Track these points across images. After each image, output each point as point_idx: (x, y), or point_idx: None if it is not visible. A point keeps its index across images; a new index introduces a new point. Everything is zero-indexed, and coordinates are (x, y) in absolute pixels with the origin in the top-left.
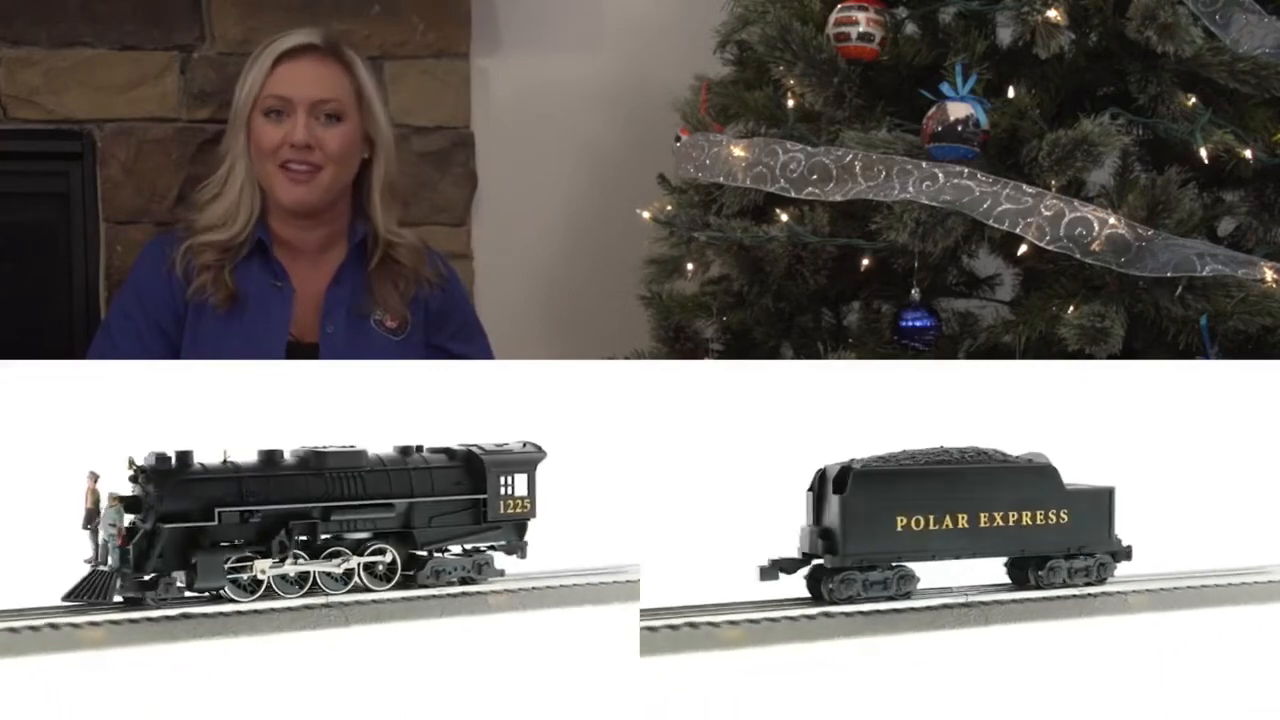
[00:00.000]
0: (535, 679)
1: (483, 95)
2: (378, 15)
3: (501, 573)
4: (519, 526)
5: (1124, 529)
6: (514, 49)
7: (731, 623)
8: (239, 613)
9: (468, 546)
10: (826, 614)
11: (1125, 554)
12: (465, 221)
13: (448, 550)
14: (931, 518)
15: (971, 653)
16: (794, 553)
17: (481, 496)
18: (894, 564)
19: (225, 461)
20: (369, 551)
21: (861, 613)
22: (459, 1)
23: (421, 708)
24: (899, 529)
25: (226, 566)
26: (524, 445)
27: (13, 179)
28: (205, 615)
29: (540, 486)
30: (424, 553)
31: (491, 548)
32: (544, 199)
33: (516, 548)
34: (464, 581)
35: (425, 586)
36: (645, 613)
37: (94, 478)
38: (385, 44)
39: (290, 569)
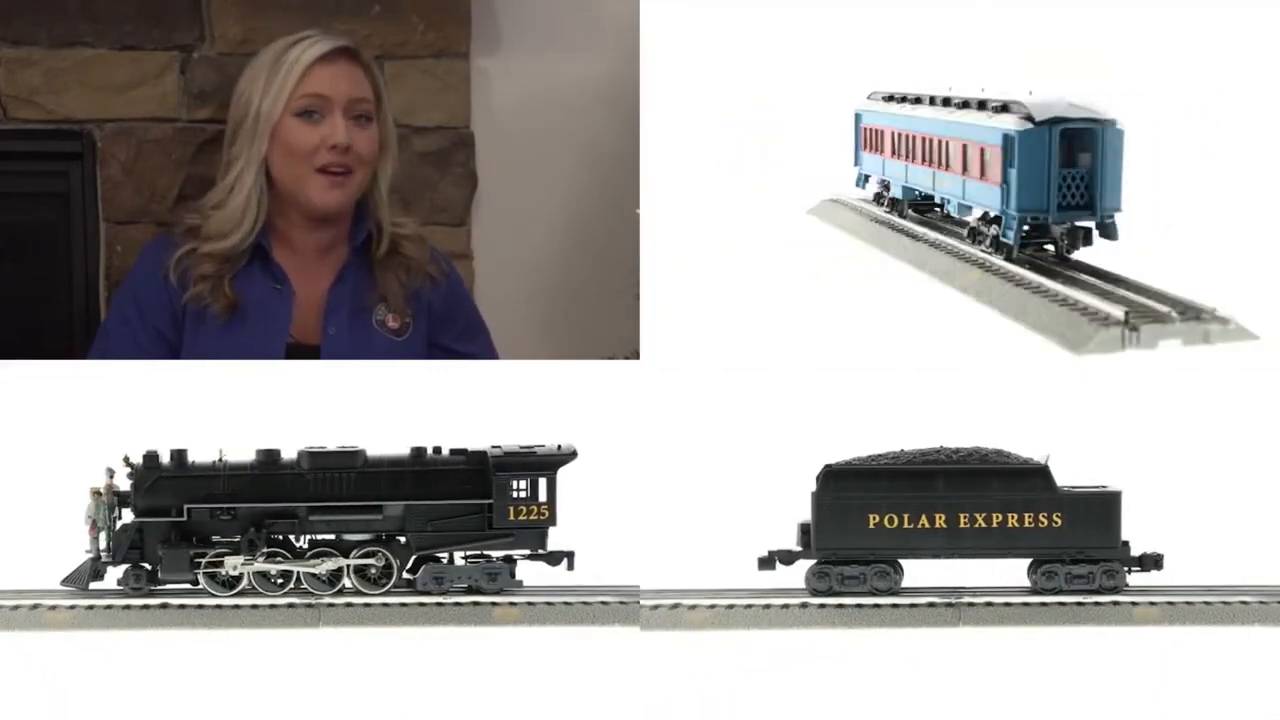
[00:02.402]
0: (528, 699)
1: (483, 95)
2: (378, 15)
3: (520, 584)
4: (537, 534)
5: (1152, 539)
6: (514, 49)
7: (706, 606)
8: (201, 606)
9: (475, 553)
10: (804, 605)
11: (1153, 562)
12: (465, 221)
13: (455, 557)
14: (906, 516)
15: (948, 652)
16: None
17: (487, 501)
18: (870, 560)
19: (218, 460)
20: (360, 554)
21: (839, 606)
22: (459, 1)
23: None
24: (871, 526)
25: (203, 562)
26: (558, 447)
27: (13, 179)
28: (166, 607)
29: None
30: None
31: (508, 557)
32: (544, 199)
33: (541, 557)
34: (472, 591)
35: (427, 593)
36: (645, 593)
37: (110, 473)
38: (385, 44)
39: (270, 567)
